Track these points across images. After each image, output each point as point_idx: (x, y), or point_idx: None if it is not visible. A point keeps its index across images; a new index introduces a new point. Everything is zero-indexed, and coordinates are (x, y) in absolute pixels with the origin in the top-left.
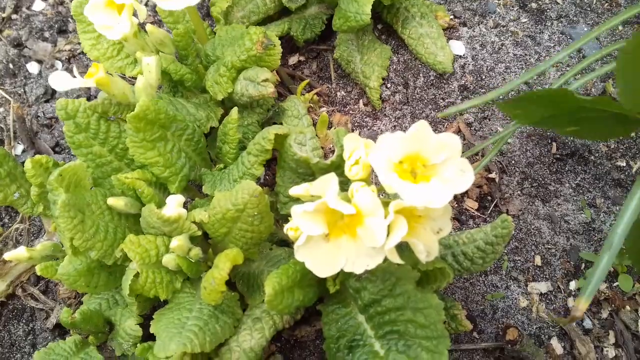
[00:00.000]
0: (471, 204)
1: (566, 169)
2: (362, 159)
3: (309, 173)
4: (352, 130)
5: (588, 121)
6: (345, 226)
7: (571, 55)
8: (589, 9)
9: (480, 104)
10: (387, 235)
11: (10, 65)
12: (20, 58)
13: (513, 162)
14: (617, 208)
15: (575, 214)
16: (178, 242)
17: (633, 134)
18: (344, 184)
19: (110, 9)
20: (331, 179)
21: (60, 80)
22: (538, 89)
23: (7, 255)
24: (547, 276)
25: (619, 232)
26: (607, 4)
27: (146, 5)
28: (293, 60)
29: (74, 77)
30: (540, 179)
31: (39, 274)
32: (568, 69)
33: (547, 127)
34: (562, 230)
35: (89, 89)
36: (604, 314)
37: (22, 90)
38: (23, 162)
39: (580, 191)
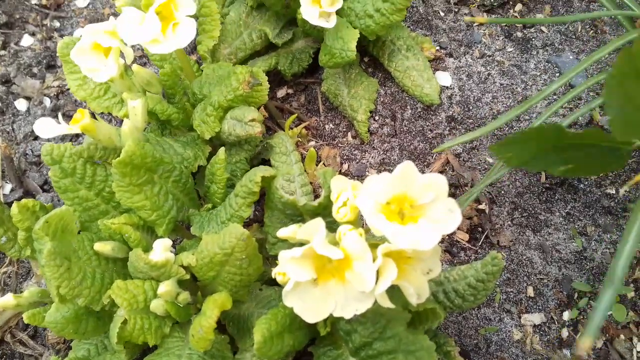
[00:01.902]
0: (462, 236)
1: (556, 197)
2: (350, 201)
3: (297, 214)
4: (341, 164)
5: (580, 158)
6: (334, 270)
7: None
8: (574, 37)
9: (474, 139)
10: (377, 279)
11: None
12: (9, 95)
13: (502, 192)
14: (608, 236)
15: (566, 243)
16: (166, 287)
17: None
18: (332, 224)
19: (96, 51)
20: (319, 224)
21: (45, 127)
22: (528, 128)
23: None
24: (540, 307)
25: (620, 265)
26: (592, 31)
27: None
28: (281, 93)
29: (59, 123)
30: (530, 208)
31: (26, 321)
32: (555, 96)
33: (539, 169)
34: (554, 260)
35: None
36: (599, 344)
37: (10, 127)
38: (11, 202)
39: (571, 220)
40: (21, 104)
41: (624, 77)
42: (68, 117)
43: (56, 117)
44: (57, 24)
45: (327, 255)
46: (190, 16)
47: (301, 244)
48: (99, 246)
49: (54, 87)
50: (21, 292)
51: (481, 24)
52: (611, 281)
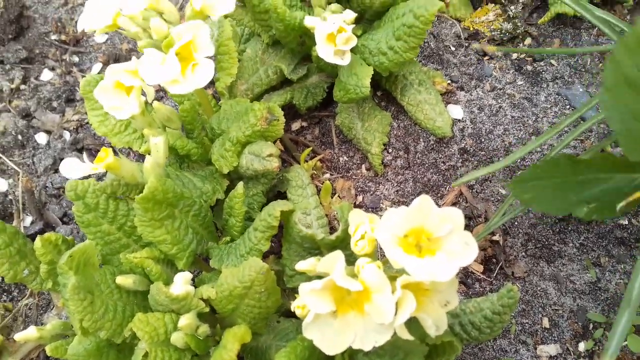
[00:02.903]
0: (476, 267)
1: (569, 228)
2: (368, 234)
3: (315, 247)
4: (356, 195)
5: (599, 195)
6: (353, 302)
7: (566, 114)
8: (583, 70)
9: (489, 173)
10: (396, 311)
11: (19, 137)
12: (29, 129)
13: (516, 223)
14: (622, 266)
15: (580, 274)
16: (186, 320)
17: None
18: (349, 256)
19: (119, 90)
20: (338, 257)
21: (70, 167)
22: (540, 161)
23: (17, 337)
24: (556, 338)
25: (637, 286)
26: (601, 64)
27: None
28: (296, 126)
29: (84, 162)
30: (544, 239)
31: (49, 354)
32: (566, 128)
33: (563, 213)
34: (569, 291)
35: None
36: None
37: (30, 161)
38: (31, 235)
39: (584, 251)
40: (41, 138)
41: (617, 87)
42: (87, 150)
43: (80, 152)
44: (76, 58)
45: (347, 288)
46: (209, 57)
47: (319, 277)
48: (121, 280)
49: (73, 120)
50: (42, 323)
51: (491, 58)
52: (628, 303)
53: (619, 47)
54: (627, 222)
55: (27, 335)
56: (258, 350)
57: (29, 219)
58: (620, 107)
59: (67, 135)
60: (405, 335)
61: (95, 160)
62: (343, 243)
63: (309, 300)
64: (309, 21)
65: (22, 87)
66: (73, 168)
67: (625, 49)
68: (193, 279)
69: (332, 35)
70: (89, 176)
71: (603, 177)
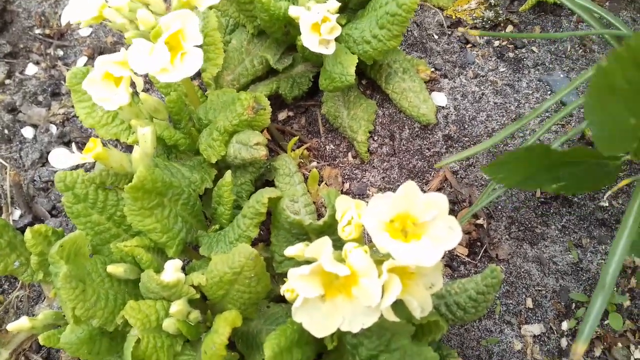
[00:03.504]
0: (461, 251)
1: (551, 211)
2: (354, 219)
3: (303, 233)
4: (343, 183)
5: (571, 175)
6: (341, 286)
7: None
8: (564, 56)
9: (471, 155)
10: (382, 294)
11: (5, 131)
12: (15, 123)
13: (499, 207)
14: (603, 247)
15: (562, 255)
16: (177, 306)
17: None
18: (337, 242)
19: (107, 81)
20: (326, 242)
21: (59, 157)
22: (517, 149)
23: (10, 327)
24: (539, 318)
25: (610, 272)
26: (581, 50)
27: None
28: (282, 115)
29: (73, 152)
30: (527, 222)
31: (41, 343)
32: (547, 114)
33: (532, 188)
34: (551, 272)
35: None
36: (597, 352)
37: (17, 155)
38: (20, 228)
39: (566, 232)
40: (28, 132)
41: (601, 94)
42: (75, 142)
43: (67, 145)
44: (60, 52)
45: (335, 272)
46: (197, 46)
47: (307, 262)
48: (112, 268)
49: (59, 114)
50: (33, 315)
51: (474, 46)
52: (602, 287)
53: (611, 57)
54: (607, 205)
55: (20, 325)
56: (249, 334)
57: (17, 213)
58: (602, 113)
59: (53, 129)
60: (392, 317)
61: (84, 150)
62: (330, 228)
63: (297, 285)
64: (293, 11)
65: (7, 81)
66: (62, 158)
67: (617, 60)
68: (183, 268)
69: (317, 24)
70: (77, 167)
71: (576, 161)
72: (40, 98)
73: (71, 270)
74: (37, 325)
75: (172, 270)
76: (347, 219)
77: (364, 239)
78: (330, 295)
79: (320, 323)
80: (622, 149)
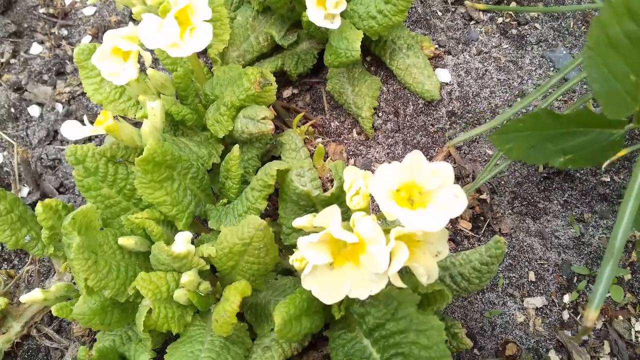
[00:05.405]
0: (465, 225)
1: (553, 186)
2: (362, 189)
3: (310, 205)
4: (347, 159)
5: (577, 147)
6: (349, 254)
7: (550, 76)
8: (566, 33)
9: (479, 134)
10: (390, 261)
11: (12, 110)
12: (21, 102)
13: (502, 182)
14: (605, 222)
15: (564, 229)
16: (188, 277)
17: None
18: (344, 213)
19: (116, 56)
20: (335, 211)
21: (71, 129)
22: (523, 116)
23: (23, 298)
24: (542, 291)
25: (619, 237)
26: (583, 27)
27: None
28: (287, 93)
29: (84, 125)
30: (530, 197)
31: (54, 314)
32: (550, 89)
33: (540, 162)
34: (553, 246)
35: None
36: (598, 325)
37: (24, 133)
38: (29, 205)
39: (568, 207)
40: (34, 110)
41: (600, 48)
42: (81, 121)
43: (79, 120)
44: (64, 32)
45: (343, 239)
46: (207, 21)
47: (316, 233)
48: (123, 240)
49: (65, 93)
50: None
51: (477, 23)
52: (611, 252)
53: (606, 9)
54: (609, 179)
55: (33, 297)
56: (257, 305)
57: (25, 190)
58: (601, 67)
59: (59, 107)
60: (399, 283)
61: (96, 123)
62: (338, 200)
63: (307, 253)
64: None
65: (12, 61)
66: (74, 130)
67: (612, 11)
68: (192, 242)
69: None
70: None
71: (582, 130)
72: (46, 77)
73: (83, 241)
74: (50, 297)
75: (182, 242)
76: (355, 189)
77: (371, 210)
78: (339, 263)
79: (328, 290)
80: (625, 110)
